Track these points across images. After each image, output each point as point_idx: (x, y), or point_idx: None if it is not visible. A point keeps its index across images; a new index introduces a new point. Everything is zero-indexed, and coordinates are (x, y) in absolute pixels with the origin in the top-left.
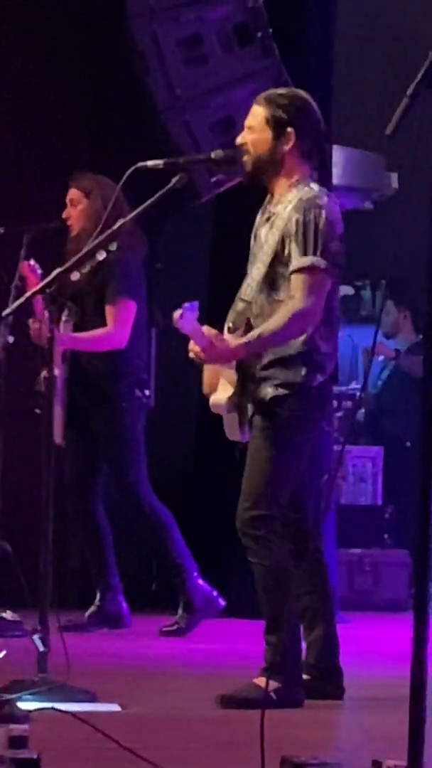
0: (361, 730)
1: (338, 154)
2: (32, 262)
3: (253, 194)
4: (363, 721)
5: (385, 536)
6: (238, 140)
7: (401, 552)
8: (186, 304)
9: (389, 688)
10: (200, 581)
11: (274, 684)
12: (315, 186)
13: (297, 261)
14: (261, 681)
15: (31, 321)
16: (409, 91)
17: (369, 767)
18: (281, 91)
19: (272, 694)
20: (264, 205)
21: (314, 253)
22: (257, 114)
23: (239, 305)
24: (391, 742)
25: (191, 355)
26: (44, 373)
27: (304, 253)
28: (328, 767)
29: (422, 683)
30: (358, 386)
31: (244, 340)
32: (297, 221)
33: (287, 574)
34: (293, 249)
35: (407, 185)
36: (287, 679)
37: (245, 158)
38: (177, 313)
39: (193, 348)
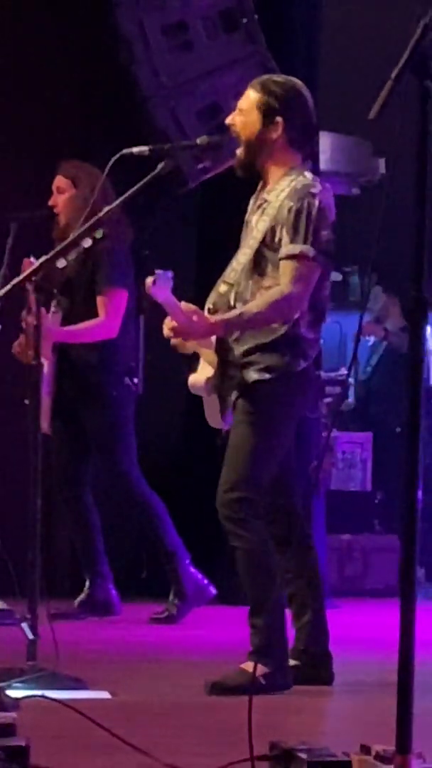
0: (350, 716)
1: (325, 140)
2: (32, 258)
3: (239, 181)
4: (352, 707)
5: (375, 522)
6: (228, 120)
7: (391, 538)
8: (158, 271)
9: (378, 674)
10: (192, 569)
11: (262, 669)
12: (309, 174)
13: (287, 248)
14: (249, 666)
15: (24, 313)
16: (393, 74)
17: (358, 752)
18: (277, 78)
19: (261, 679)
20: (257, 192)
21: (304, 242)
22: (249, 97)
23: (222, 287)
24: (380, 727)
25: (166, 332)
26: (22, 347)
27: (295, 241)
28: (316, 752)
29: (410, 668)
30: (346, 372)
31: (224, 316)
32: (290, 209)
33: (269, 557)
34: (284, 236)
35: (395, 170)
36: (275, 664)
37: (238, 150)
38: (149, 280)
39: (169, 323)
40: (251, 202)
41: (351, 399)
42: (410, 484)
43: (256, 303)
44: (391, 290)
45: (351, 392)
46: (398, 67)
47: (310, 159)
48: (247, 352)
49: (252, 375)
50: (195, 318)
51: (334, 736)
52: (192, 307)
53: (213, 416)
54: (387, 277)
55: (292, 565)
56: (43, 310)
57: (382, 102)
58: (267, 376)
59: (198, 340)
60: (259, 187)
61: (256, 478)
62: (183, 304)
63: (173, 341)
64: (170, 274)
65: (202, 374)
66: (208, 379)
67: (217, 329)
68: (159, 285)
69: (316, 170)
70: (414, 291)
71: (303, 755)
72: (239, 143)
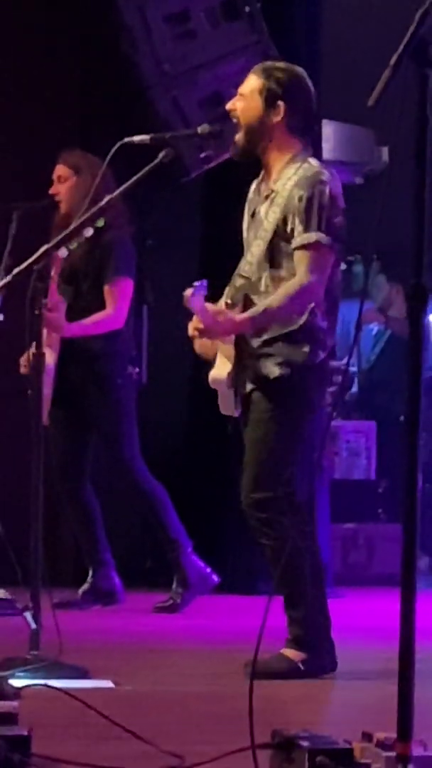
0: (352, 703)
1: (328, 129)
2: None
3: (243, 169)
4: (354, 694)
5: (379, 511)
6: (228, 105)
7: (395, 526)
8: (197, 283)
9: (381, 662)
10: (194, 557)
11: (301, 655)
12: (314, 162)
13: (301, 237)
14: (289, 652)
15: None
16: (392, 62)
17: (359, 740)
18: (279, 64)
19: (300, 664)
20: (258, 182)
21: (318, 229)
22: (251, 83)
23: (238, 281)
24: (382, 714)
25: (191, 332)
26: (32, 350)
27: (309, 230)
28: (318, 740)
29: (411, 656)
30: (352, 361)
31: (249, 314)
32: (301, 198)
33: (297, 550)
34: (297, 225)
35: (398, 159)
36: (312, 650)
37: (237, 135)
38: (188, 292)
39: (196, 324)
40: (252, 189)
41: (354, 388)
42: (411, 473)
43: (277, 297)
44: (395, 278)
45: (354, 381)
46: (396, 54)
47: (311, 147)
48: (267, 343)
49: (273, 370)
50: (221, 318)
51: (336, 724)
52: (217, 307)
53: (227, 405)
54: (391, 265)
55: None
56: (60, 299)
57: (381, 89)
58: (287, 370)
59: (222, 338)
60: (261, 176)
61: (280, 475)
62: (209, 305)
63: (198, 348)
64: (206, 283)
65: (222, 369)
66: (229, 373)
67: (243, 327)
68: (196, 296)
69: (318, 158)
70: (414, 279)
71: (305, 743)
72: (239, 129)
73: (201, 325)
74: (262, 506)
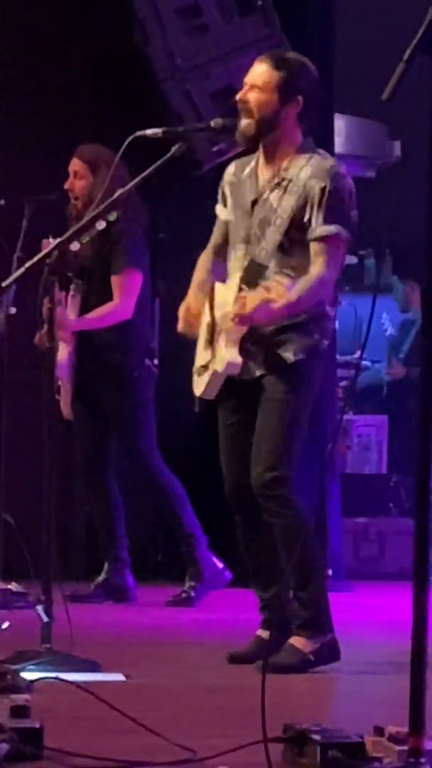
0: (364, 697)
1: (341, 123)
2: (50, 239)
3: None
4: (366, 689)
5: (390, 505)
6: (239, 96)
7: (406, 520)
8: None
9: (393, 656)
10: (209, 553)
11: (310, 644)
12: (324, 153)
13: (321, 229)
14: (298, 641)
15: (46, 300)
16: (405, 56)
17: (371, 734)
18: (288, 54)
19: (310, 655)
20: (255, 165)
21: (338, 222)
22: (264, 74)
23: (254, 268)
24: (394, 708)
25: (230, 317)
26: (43, 337)
27: (328, 222)
28: (330, 734)
29: (423, 650)
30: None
31: (284, 303)
32: (323, 189)
33: (306, 529)
34: (314, 216)
35: (412, 153)
36: (323, 637)
37: (247, 120)
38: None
39: (237, 311)
40: (230, 173)
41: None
42: (422, 467)
43: (299, 289)
44: (410, 275)
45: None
46: (410, 49)
47: (320, 136)
48: (279, 331)
49: (288, 356)
50: (264, 306)
51: (348, 718)
52: (265, 295)
53: (212, 390)
54: (403, 260)
55: (262, 539)
56: (61, 296)
57: (395, 84)
58: (302, 356)
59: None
60: (255, 161)
61: (293, 455)
62: (258, 294)
63: (182, 327)
64: None
65: (233, 354)
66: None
67: (278, 316)
68: None
69: (330, 152)
70: (428, 274)
71: (316, 737)
72: (247, 117)
73: (245, 311)
74: (277, 484)
